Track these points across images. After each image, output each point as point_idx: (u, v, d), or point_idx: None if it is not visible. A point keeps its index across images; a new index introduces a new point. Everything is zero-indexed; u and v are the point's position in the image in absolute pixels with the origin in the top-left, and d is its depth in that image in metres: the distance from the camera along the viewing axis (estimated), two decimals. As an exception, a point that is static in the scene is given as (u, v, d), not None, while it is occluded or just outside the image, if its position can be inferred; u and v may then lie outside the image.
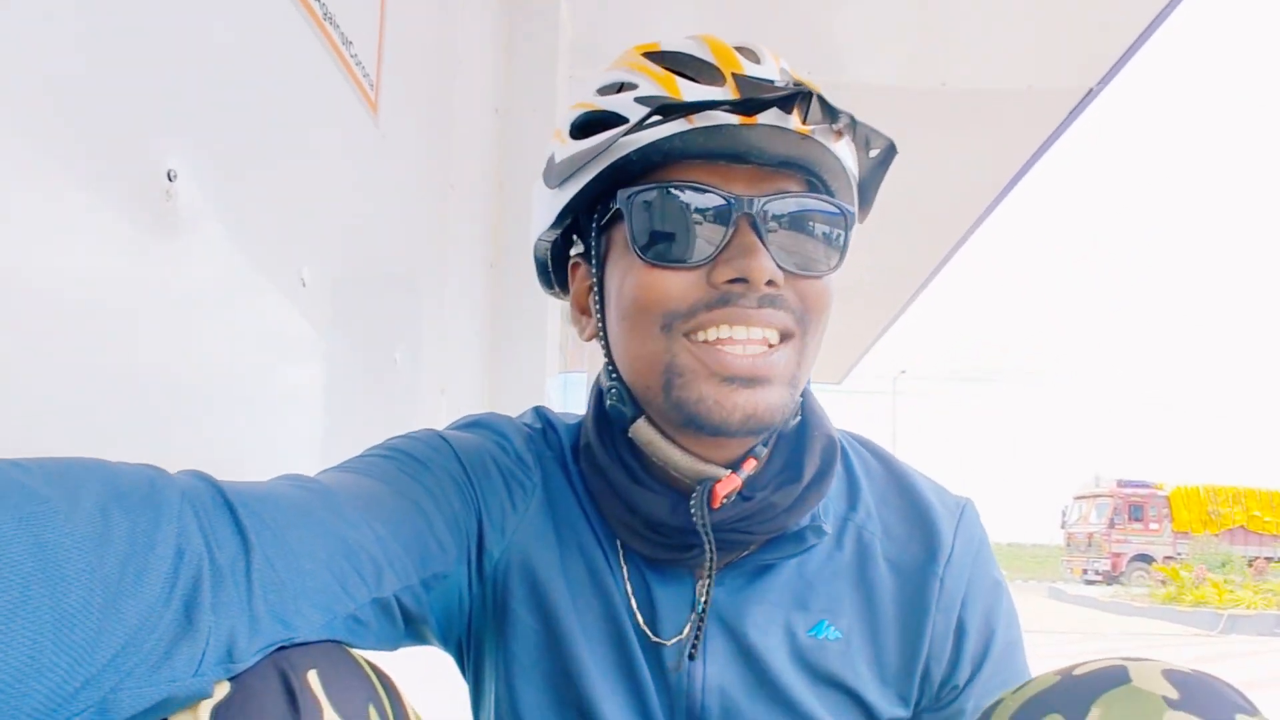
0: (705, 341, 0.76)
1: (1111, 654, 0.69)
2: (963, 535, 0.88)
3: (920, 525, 0.87)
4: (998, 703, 0.71)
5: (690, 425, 0.77)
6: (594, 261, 0.84)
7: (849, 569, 0.85)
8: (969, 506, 0.91)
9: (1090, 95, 2.83)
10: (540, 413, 0.95)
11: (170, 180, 0.84)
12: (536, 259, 0.90)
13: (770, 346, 0.76)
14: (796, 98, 0.72)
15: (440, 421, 1.81)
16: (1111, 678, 0.64)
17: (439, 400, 1.88)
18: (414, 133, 1.66)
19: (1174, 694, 0.61)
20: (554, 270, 0.90)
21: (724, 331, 0.75)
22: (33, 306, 0.68)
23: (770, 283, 0.74)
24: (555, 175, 0.82)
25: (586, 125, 0.81)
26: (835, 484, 0.88)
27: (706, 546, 0.78)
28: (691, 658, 0.82)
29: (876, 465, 0.93)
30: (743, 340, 0.75)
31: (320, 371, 1.23)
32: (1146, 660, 0.66)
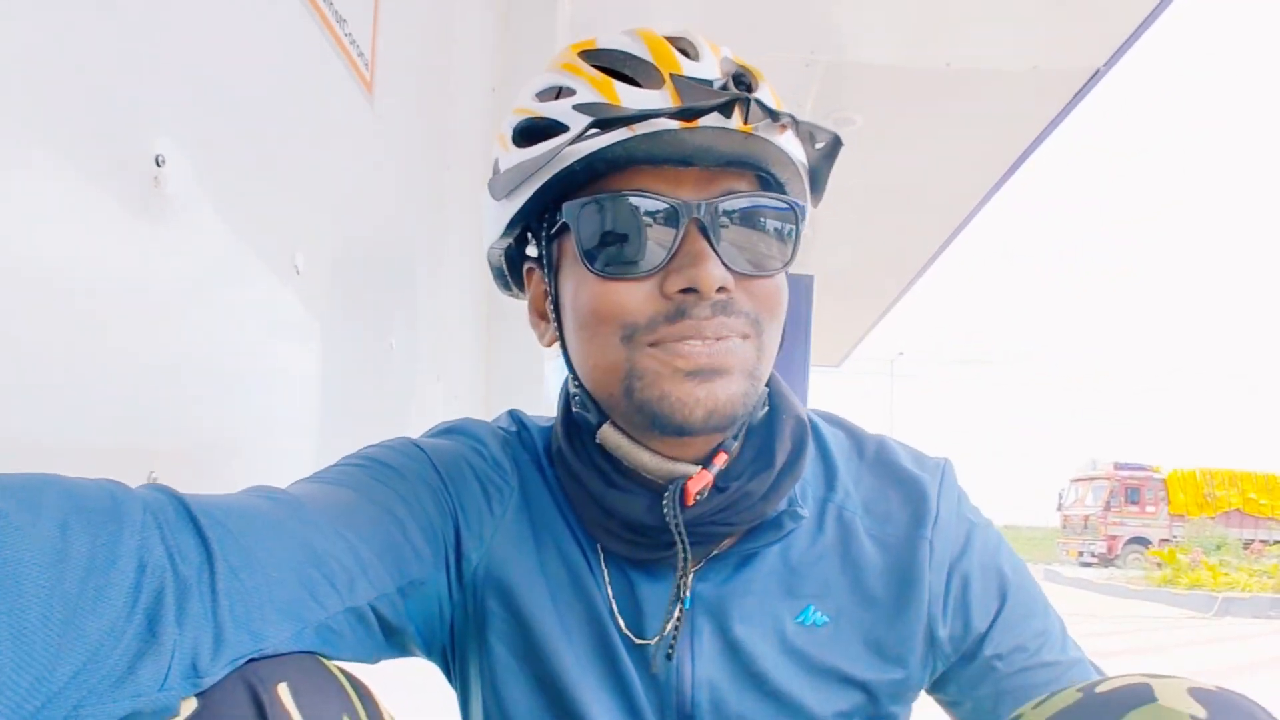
0: (665, 345, 0.75)
1: (1133, 669, 0.68)
2: (946, 495, 0.88)
3: (902, 495, 0.87)
4: (1017, 718, 0.70)
5: (654, 426, 0.77)
6: (547, 269, 0.83)
7: (833, 550, 0.85)
8: (948, 466, 0.91)
9: (1097, 76, 2.80)
10: (515, 415, 0.95)
11: (158, 165, 0.82)
12: (492, 265, 0.89)
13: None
14: (736, 102, 0.71)
15: (436, 408, 1.79)
16: (1137, 696, 0.63)
17: (435, 387, 1.86)
18: (409, 113, 1.63)
19: (1201, 712, 0.60)
20: (510, 274, 0.90)
21: (682, 340, 0.75)
22: (18, 295, 0.66)
23: (723, 288, 0.74)
24: (500, 187, 0.81)
25: (527, 132, 0.80)
26: (811, 467, 0.88)
27: (680, 546, 0.78)
28: (669, 657, 0.81)
29: (850, 443, 0.92)
30: (699, 343, 0.75)
31: (315, 360, 1.21)
32: (1171, 677, 0.64)
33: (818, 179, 0.82)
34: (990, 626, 0.85)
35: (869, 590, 0.84)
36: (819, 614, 0.83)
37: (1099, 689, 0.65)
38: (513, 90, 2.38)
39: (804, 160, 0.79)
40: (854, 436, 0.93)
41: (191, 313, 0.90)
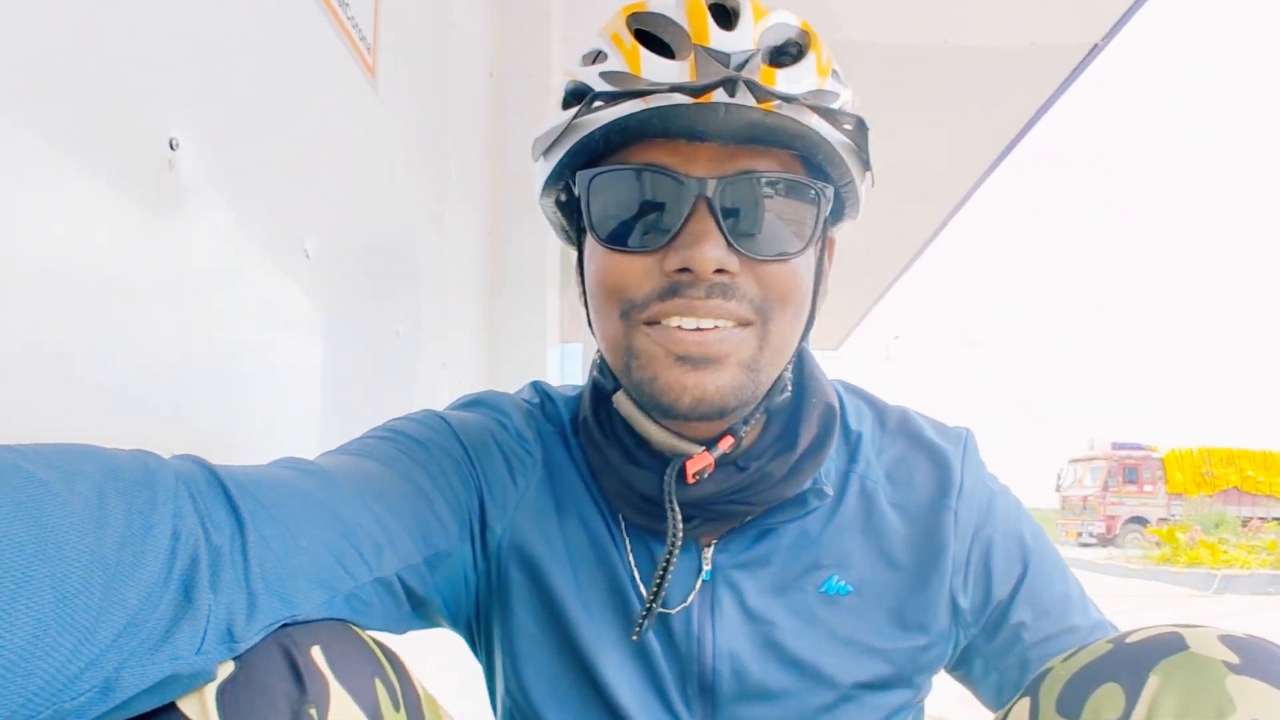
0: (659, 325, 0.75)
1: (1160, 622, 0.68)
2: (970, 464, 0.88)
3: (926, 464, 0.88)
4: (1047, 671, 0.70)
5: (647, 405, 0.78)
6: (577, 231, 0.84)
7: (854, 521, 0.86)
8: (970, 436, 0.91)
9: (1095, 51, 2.79)
10: (538, 387, 0.96)
11: (173, 149, 0.82)
12: (548, 218, 0.89)
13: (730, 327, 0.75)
14: (738, 82, 0.70)
15: (442, 396, 1.79)
16: (1168, 645, 0.63)
17: (440, 374, 1.86)
18: (411, 99, 1.63)
19: (1234, 659, 0.60)
20: (569, 227, 0.89)
21: (674, 321, 0.74)
22: (31, 282, 0.66)
23: (722, 270, 0.73)
24: (536, 148, 0.82)
25: (571, 94, 0.80)
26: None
27: (670, 520, 0.78)
28: (641, 628, 0.81)
29: (872, 413, 0.93)
30: (692, 329, 0.74)
31: (325, 346, 1.21)
32: (1201, 626, 0.65)
33: (864, 159, 0.80)
34: (1014, 593, 0.86)
35: (892, 559, 0.85)
36: (842, 583, 0.84)
37: (1129, 640, 0.66)
38: (510, 76, 2.38)
39: (843, 140, 0.77)
40: (875, 407, 0.93)
41: (205, 297, 0.90)
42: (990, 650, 0.87)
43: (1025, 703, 0.71)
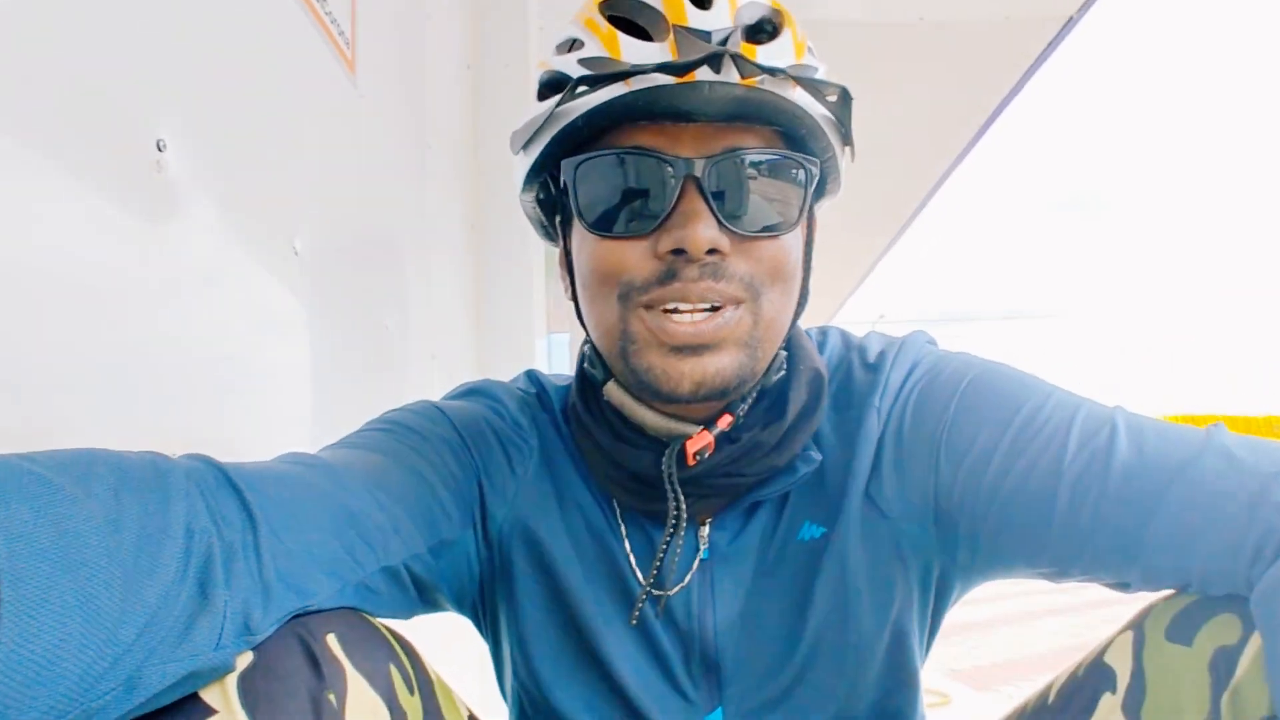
0: (655, 311, 0.74)
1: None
2: (900, 361, 0.84)
3: (863, 375, 0.86)
4: (1150, 609, 0.67)
5: (645, 392, 0.77)
6: (562, 223, 0.83)
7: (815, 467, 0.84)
8: (912, 335, 0.88)
9: (1071, 23, 2.80)
10: (533, 376, 0.96)
11: (160, 150, 0.82)
12: (528, 216, 0.89)
13: (717, 309, 0.73)
14: (724, 57, 0.69)
15: (432, 388, 1.80)
16: None
17: (430, 366, 1.87)
18: (390, 92, 1.63)
19: None
20: (548, 223, 0.89)
21: (671, 305, 0.73)
22: (20, 286, 0.66)
23: (714, 250, 0.72)
24: (515, 142, 0.81)
25: (546, 85, 0.79)
26: None
27: (672, 501, 0.78)
28: (657, 614, 0.82)
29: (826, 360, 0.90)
30: (688, 310, 0.73)
31: (316, 342, 1.22)
32: None
33: (845, 133, 0.79)
34: (952, 434, 0.78)
35: (839, 482, 0.83)
36: (815, 526, 0.83)
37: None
38: (488, 67, 2.38)
39: (825, 114, 0.76)
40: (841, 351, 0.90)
41: (196, 298, 0.90)
42: (969, 516, 0.77)
43: (1128, 635, 0.68)
